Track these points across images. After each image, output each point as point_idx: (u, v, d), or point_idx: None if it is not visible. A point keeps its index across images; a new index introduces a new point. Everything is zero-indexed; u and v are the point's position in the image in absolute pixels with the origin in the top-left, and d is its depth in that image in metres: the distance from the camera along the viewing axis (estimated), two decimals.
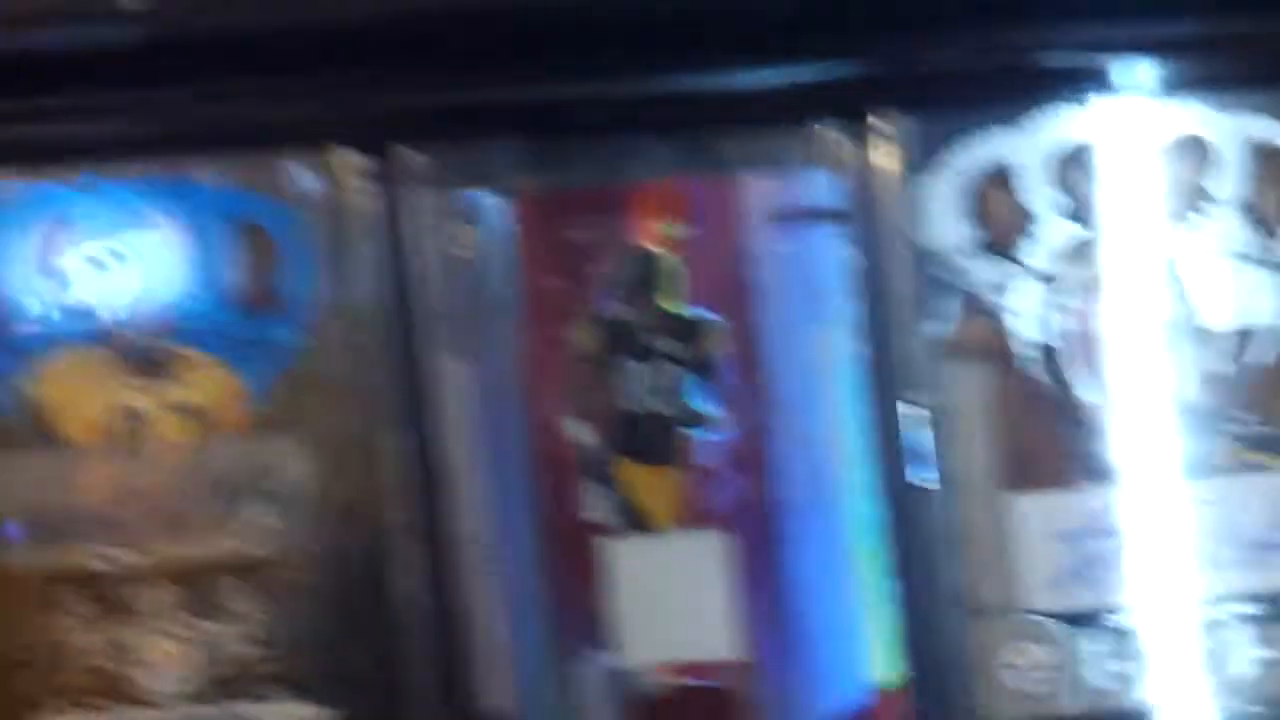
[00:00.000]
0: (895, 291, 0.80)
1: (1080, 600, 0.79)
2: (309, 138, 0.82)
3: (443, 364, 0.83)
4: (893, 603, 0.82)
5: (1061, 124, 0.79)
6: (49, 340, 0.84)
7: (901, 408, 0.80)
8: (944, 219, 0.79)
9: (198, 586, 0.84)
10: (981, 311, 0.79)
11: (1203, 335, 0.78)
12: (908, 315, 0.80)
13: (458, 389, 0.83)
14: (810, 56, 0.80)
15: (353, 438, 0.83)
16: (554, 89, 0.81)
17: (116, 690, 0.84)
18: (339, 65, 0.81)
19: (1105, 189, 0.79)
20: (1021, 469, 0.80)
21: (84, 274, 0.83)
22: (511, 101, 0.82)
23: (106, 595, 0.84)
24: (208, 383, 0.84)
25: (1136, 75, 0.79)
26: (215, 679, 0.84)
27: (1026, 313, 0.79)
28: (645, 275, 0.82)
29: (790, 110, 0.81)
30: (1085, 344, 0.79)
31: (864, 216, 0.80)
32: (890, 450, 0.81)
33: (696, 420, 0.82)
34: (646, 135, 0.81)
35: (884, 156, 0.80)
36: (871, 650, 0.83)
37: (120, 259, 0.83)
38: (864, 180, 0.80)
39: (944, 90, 0.81)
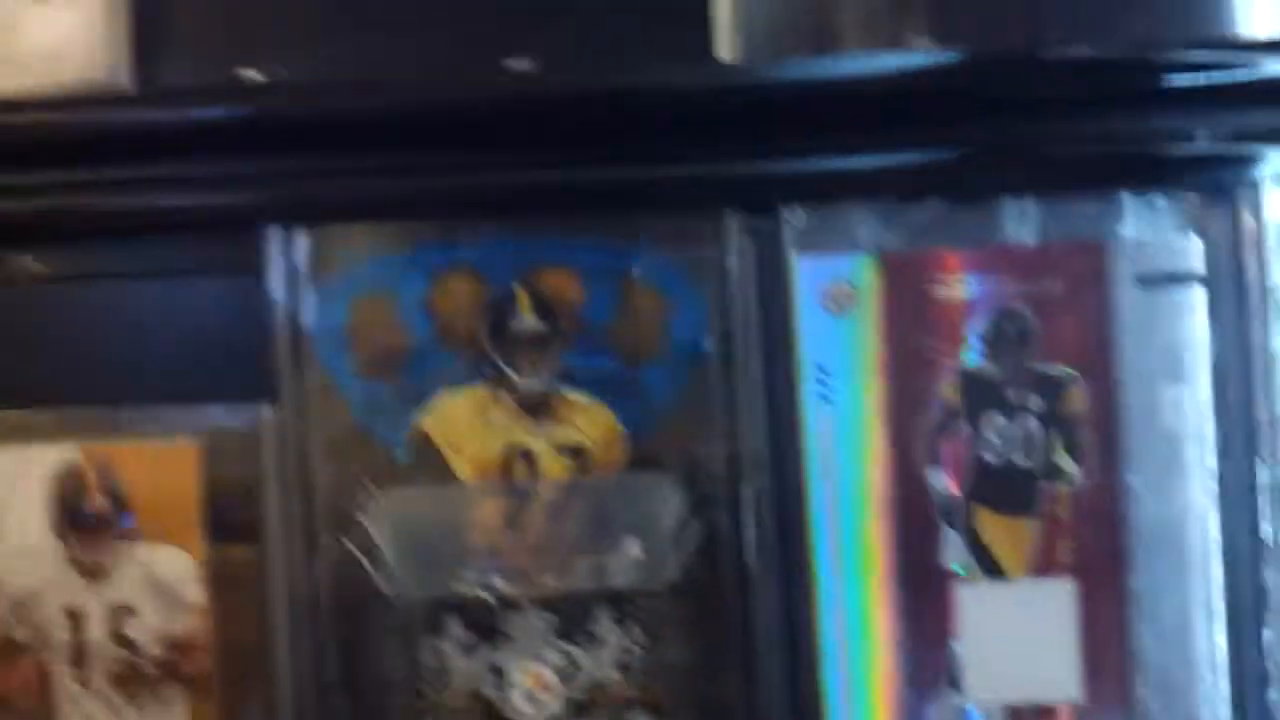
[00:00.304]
0: (1252, 351, 0.86)
1: None
2: (699, 198, 0.88)
3: (809, 411, 0.88)
4: (1232, 653, 0.87)
5: None
6: (443, 380, 0.90)
7: (1254, 464, 0.86)
8: None
9: (571, 615, 0.89)
10: None
11: None
12: (1263, 374, 0.85)
13: (822, 435, 0.88)
14: (1174, 126, 0.86)
15: (720, 478, 0.89)
16: (925, 153, 0.87)
17: (490, 711, 0.89)
18: (729, 130, 0.87)
19: None
20: None
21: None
22: (885, 166, 0.88)
23: (485, 622, 0.89)
24: (590, 425, 0.89)
25: None
26: (583, 702, 0.89)
27: None
28: (1011, 333, 0.87)
29: (1153, 176, 0.87)
30: None
31: (1223, 280, 0.86)
32: (1240, 505, 0.86)
33: (1053, 473, 0.88)
34: (1016, 197, 0.87)
35: (1245, 222, 0.86)
36: (1206, 699, 0.87)
37: (510, 305, 0.89)
38: (1224, 244, 0.86)
39: None
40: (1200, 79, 0.85)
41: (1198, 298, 0.86)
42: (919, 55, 0.86)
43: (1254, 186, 0.86)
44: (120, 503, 0.90)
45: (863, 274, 0.88)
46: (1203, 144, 0.86)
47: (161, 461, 0.90)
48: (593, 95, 0.88)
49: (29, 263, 0.92)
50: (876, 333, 0.88)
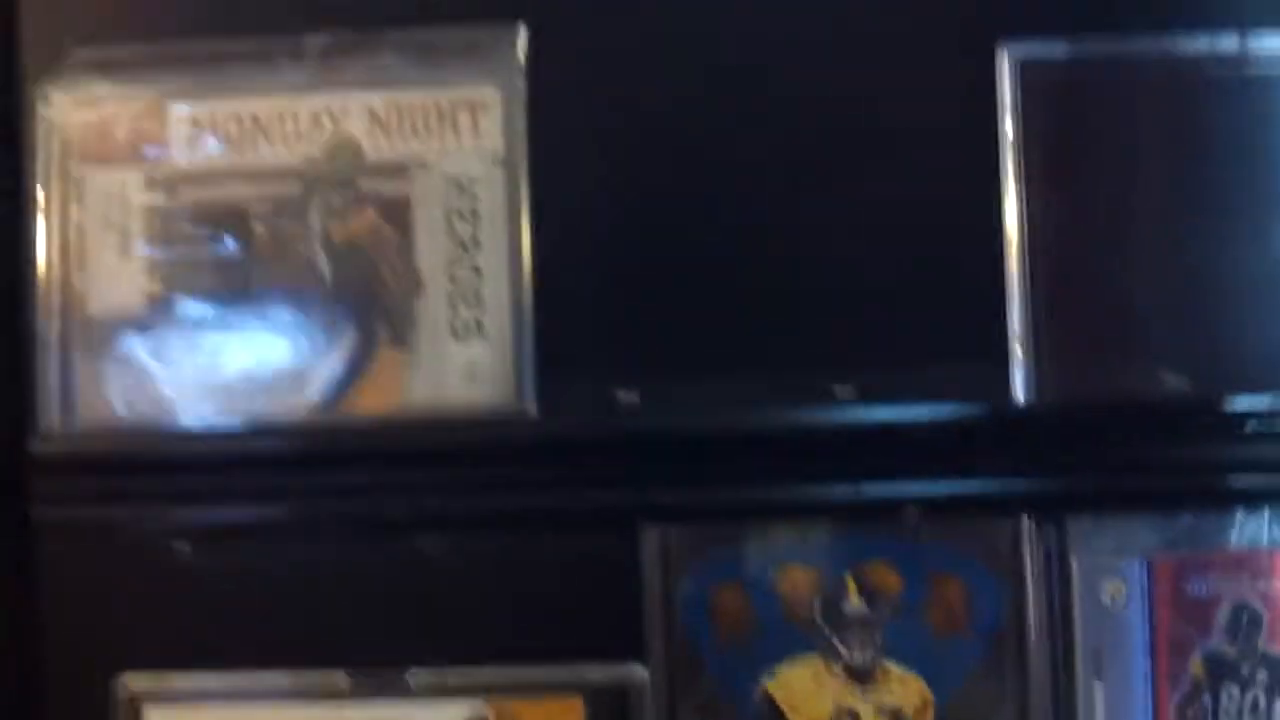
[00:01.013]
0: None
1: None
2: (997, 508, 1.11)
3: (1084, 683, 1.10)
4: None
5: None
6: (785, 651, 1.10)
7: None
8: None
9: None
10: None
11: None
12: None
13: (1096, 703, 1.10)
14: None
15: None
16: (1183, 475, 1.11)
17: None
18: (1023, 453, 1.10)
19: None
20: None
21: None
22: (1149, 486, 1.11)
23: None
24: (906, 691, 1.10)
25: None
26: None
27: None
28: (1245, 622, 1.10)
29: None
30: None
31: None
32: None
33: None
34: (1249, 509, 1.10)
35: None
36: None
37: (841, 591, 1.11)
38: None
39: None
40: None
41: None
42: (1177, 393, 1.10)
43: None
44: None
45: (1131, 573, 1.10)
46: None
47: (553, 714, 1.10)
48: (904, 423, 1.10)
49: (433, 543, 1.13)
50: (1141, 620, 1.10)
